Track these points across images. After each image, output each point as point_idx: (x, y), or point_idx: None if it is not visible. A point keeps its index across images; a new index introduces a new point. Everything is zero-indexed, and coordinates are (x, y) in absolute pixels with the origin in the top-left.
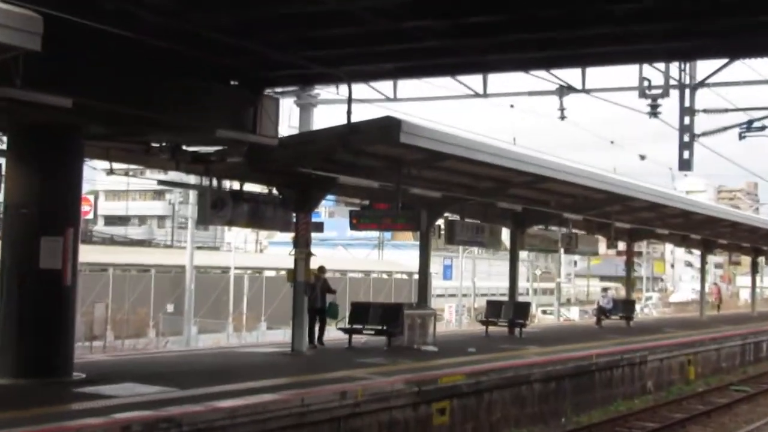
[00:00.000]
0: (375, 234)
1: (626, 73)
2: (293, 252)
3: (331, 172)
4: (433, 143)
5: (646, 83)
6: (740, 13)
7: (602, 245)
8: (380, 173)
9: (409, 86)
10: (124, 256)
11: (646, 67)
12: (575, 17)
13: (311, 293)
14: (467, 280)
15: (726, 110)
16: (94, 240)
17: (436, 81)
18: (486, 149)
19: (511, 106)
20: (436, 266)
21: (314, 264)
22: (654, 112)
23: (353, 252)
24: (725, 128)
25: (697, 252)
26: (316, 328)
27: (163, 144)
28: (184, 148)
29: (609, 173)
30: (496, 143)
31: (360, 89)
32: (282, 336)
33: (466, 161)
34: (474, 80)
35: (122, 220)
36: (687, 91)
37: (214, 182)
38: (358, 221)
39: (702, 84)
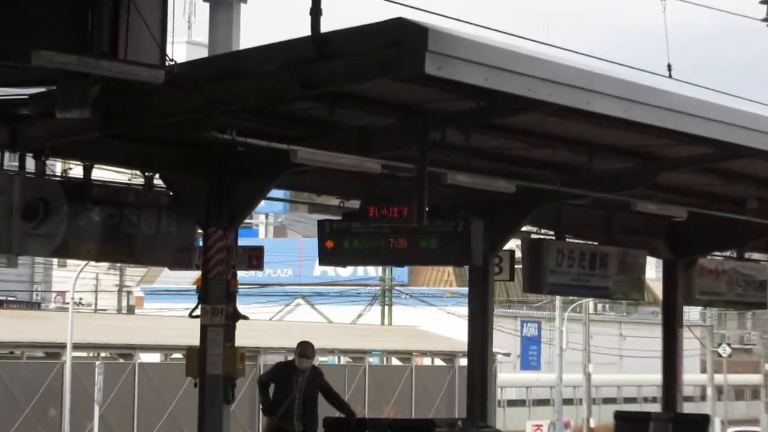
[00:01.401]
0: (373, 272)
1: None
2: (200, 312)
3: (282, 142)
4: (504, 78)
5: None
6: None
7: None
8: (384, 141)
9: None
10: None
11: None
12: None
13: (280, 400)
14: (573, 370)
15: None
16: None
17: None
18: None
19: None
20: (506, 340)
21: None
22: None
23: (328, 310)
24: None
25: None
26: None
27: None
28: None
29: None
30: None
31: None
32: None
33: (577, 116)
34: None
35: None
36: None
37: (30, 163)
38: (336, 244)
39: None
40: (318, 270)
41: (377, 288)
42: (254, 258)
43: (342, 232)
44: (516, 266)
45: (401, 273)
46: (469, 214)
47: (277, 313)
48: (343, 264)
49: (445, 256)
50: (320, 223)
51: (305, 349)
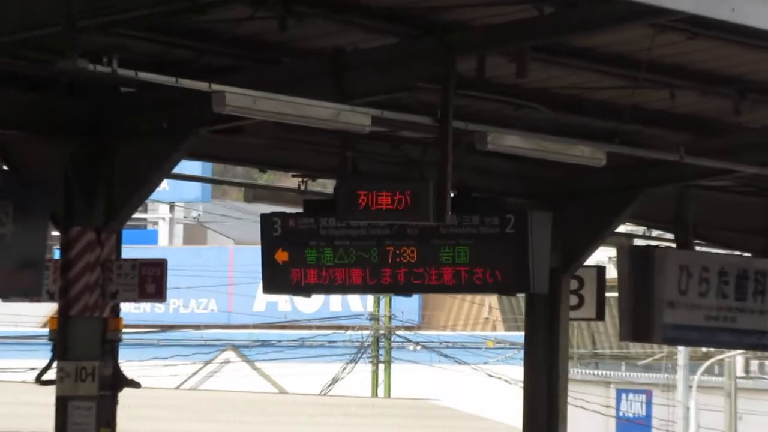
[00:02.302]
0: (358, 305)
1: None
2: (55, 376)
3: (198, 77)
4: None
5: None
6: None
7: None
8: (374, 75)
9: None
10: None
11: None
12: None
13: None
14: None
15: None
16: None
17: None
18: None
19: None
20: (592, 423)
21: None
22: None
23: (279, 371)
24: None
25: None
26: None
27: None
28: None
29: None
30: None
31: None
32: None
33: (712, 33)
34: None
35: None
36: None
37: None
38: (294, 255)
39: None
40: (261, 301)
41: (366, 333)
42: (150, 280)
43: (303, 236)
44: (607, 295)
45: (408, 307)
46: (525, 204)
47: (191, 376)
48: (307, 292)
49: (485, 278)
50: (265, 219)
51: None
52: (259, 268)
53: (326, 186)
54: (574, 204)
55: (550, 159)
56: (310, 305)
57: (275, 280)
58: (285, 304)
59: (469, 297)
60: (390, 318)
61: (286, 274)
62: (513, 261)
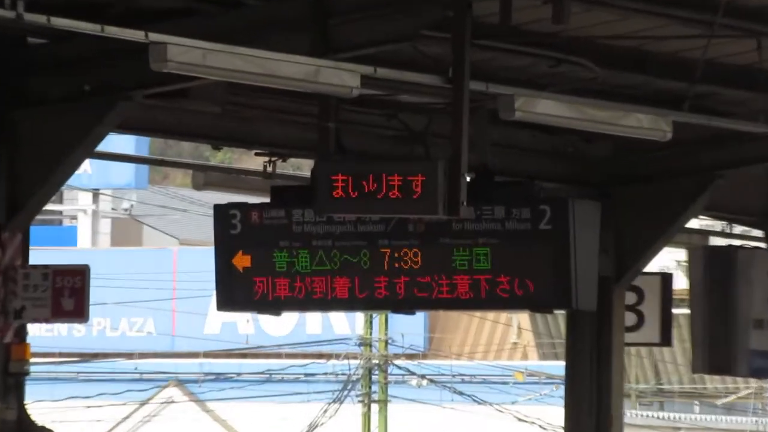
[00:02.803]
0: (343, 326)
1: None
2: None
3: (132, 24)
4: None
5: None
6: None
7: None
8: (361, 21)
9: None
10: None
11: None
12: None
13: None
14: None
15: None
16: None
17: None
18: None
19: None
20: None
21: None
22: None
23: (236, 412)
24: None
25: None
26: None
27: None
28: None
29: None
30: None
31: None
32: None
33: None
34: None
35: None
36: None
37: None
38: (258, 259)
39: None
40: (215, 321)
41: (354, 363)
42: (67, 294)
43: (271, 234)
44: (675, 312)
45: (410, 329)
46: (565, 191)
47: (122, 421)
48: (275, 308)
49: (513, 289)
50: (220, 212)
51: None
52: (212, 277)
53: (301, 167)
54: (630, 191)
55: (598, 131)
56: (281, 327)
57: (233, 293)
58: (247, 324)
59: (491, 315)
60: (386, 343)
61: (247, 285)
62: (549, 267)
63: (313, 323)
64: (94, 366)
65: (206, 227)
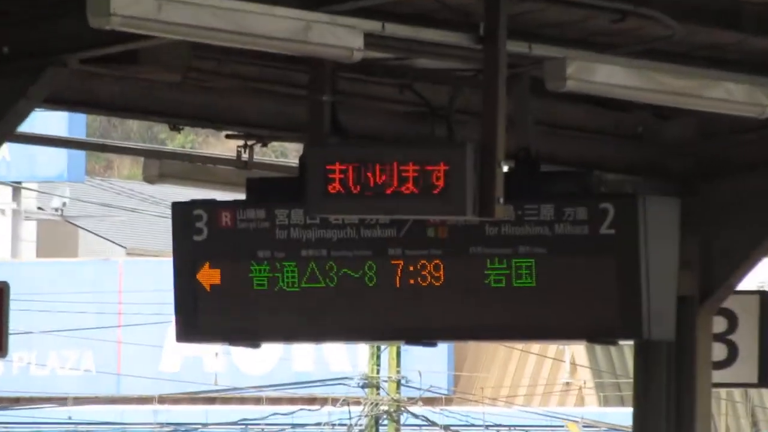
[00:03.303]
0: (342, 362)
1: None
2: None
3: None
4: None
5: None
6: None
7: None
8: None
9: None
10: None
11: None
12: None
13: None
14: None
15: None
16: None
17: None
18: None
19: None
20: None
21: None
22: None
23: None
24: None
25: None
26: None
27: None
28: None
29: None
30: None
31: None
32: None
33: None
34: None
35: None
36: None
37: None
38: (231, 277)
39: None
40: (174, 355)
41: (358, 411)
42: None
43: (247, 241)
44: None
45: (431, 366)
46: (633, 185)
47: None
48: (253, 339)
49: (563, 313)
50: (181, 211)
51: None
52: (170, 298)
53: (286, 154)
54: (721, 185)
55: (676, 106)
56: (260, 363)
57: (198, 319)
58: (215, 360)
59: (535, 348)
60: (398, 384)
61: (217, 308)
62: (613, 284)
63: (302, 358)
64: (15, 415)
65: (162, 232)
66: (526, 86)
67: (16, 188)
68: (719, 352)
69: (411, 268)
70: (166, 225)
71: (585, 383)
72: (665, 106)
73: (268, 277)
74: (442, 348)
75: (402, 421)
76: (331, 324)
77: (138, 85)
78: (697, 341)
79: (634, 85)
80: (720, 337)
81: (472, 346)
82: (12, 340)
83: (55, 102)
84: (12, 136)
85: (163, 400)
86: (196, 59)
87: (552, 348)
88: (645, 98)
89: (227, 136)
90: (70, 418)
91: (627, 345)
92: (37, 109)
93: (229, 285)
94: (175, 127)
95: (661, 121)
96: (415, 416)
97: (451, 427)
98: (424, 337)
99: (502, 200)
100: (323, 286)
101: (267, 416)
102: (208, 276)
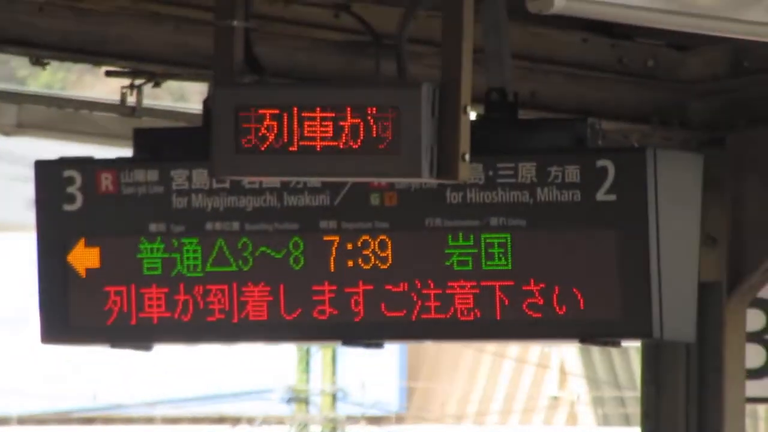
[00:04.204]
0: (263, 369)
1: None
2: None
3: None
4: None
5: None
6: None
7: None
8: None
9: None
10: None
11: None
12: None
13: None
14: None
15: None
16: None
17: None
18: None
19: None
20: None
21: None
22: None
23: None
24: None
25: None
26: None
27: None
28: None
29: None
30: None
31: None
32: None
33: None
34: None
35: None
36: None
37: None
38: (112, 260)
39: None
40: (37, 369)
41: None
42: None
43: (136, 211)
44: None
45: (378, 375)
46: (640, 137)
47: None
48: (143, 341)
49: (551, 304)
50: (46, 172)
51: None
52: (32, 287)
53: (186, 97)
54: (756, 137)
55: (697, 32)
56: (152, 372)
57: (70, 314)
58: (94, 369)
59: (513, 350)
60: (334, 398)
61: (94, 299)
62: (613, 267)
63: (208, 366)
64: None
65: (18, 200)
66: (501, 7)
67: None
68: (755, 356)
69: (349, 246)
70: (26, 189)
71: (578, 397)
72: (685, 33)
73: (162, 258)
74: (392, 351)
75: None
76: (246, 320)
77: None
78: (726, 342)
79: (645, 5)
80: (756, 337)
81: (430, 349)
82: None
83: None
84: None
85: (23, 420)
86: None
87: (534, 351)
88: (659, 22)
89: (108, 74)
90: None
91: (632, 347)
92: None
93: (110, 269)
94: (39, 62)
95: (679, 54)
96: None
97: None
98: (367, 336)
99: (468, 157)
100: (235, 270)
101: None
102: (83, 257)
